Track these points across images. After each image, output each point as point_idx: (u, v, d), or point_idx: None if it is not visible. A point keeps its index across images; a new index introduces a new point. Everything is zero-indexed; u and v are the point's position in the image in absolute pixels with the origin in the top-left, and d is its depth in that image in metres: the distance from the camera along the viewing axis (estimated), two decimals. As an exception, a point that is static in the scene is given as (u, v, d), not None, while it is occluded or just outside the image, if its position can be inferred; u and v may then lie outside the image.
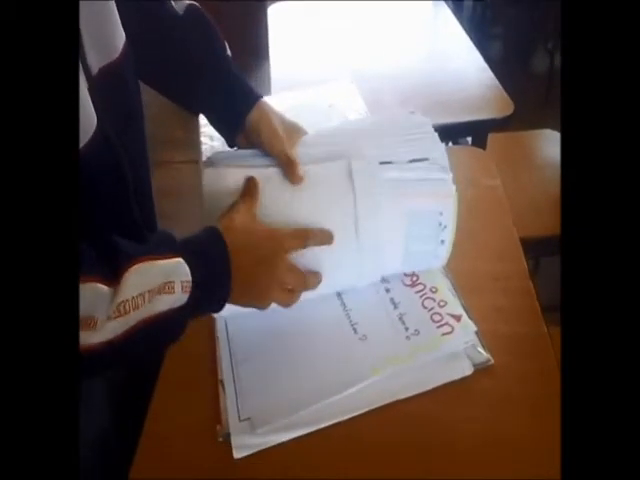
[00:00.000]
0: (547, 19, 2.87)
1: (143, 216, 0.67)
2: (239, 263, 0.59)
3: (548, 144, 1.64)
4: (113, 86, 0.59)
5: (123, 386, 0.75)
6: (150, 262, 0.53)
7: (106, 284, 0.50)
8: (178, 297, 0.54)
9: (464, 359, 0.68)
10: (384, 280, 0.78)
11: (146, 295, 0.52)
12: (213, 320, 0.75)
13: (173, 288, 0.53)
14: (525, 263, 0.82)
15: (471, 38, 1.51)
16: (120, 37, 0.62)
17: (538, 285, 0.79)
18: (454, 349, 0.69)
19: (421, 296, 0.76)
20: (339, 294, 0.77)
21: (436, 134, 0.74)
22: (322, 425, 0.64)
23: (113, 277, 0.50)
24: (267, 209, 0.68)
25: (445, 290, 0.76)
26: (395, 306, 0.76)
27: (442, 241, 0.74)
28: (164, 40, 0.73)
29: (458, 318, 0.72)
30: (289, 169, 0.69)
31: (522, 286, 0.79)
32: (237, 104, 0.73)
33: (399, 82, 1.30)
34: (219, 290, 0.60)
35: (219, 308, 0.61)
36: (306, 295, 0.68)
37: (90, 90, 0.54)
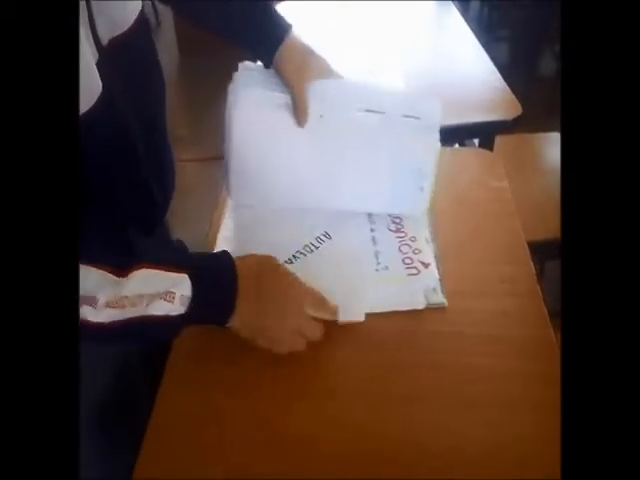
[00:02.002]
0: (554, 21, 2.85)
1: (159, 177, 0.72)
2: (247, 290, 0.63)
3: (555, 147, 1.64)
4: (124, 56, 0.62)
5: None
6: (157, 270, 0.58)
7: (115, 274, 0.55)
8: (176, 307, 0.59)
9: (420, 296, 0.77)
10: (371, 221, 0.88)
11: (145, 298, 0.57)
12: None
13: (173, 298, 0.58)
14: (532, 266, 0.82)
15: (478, 39, 1.52)
16: (133, 9, 0.65)
17: (543, 289, 0.79)
18: (415, 287, 0.78)
19: (400, 241, 0.85)
20: (324, 221, 0.87)
21: (437, 104, 0.81)
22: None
23: (122, 272, 0.56)
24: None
25: (423, 241, 0.85)
26: (374, 243, 0.85)
27: (422, 188, 0.83)
28: None
29: (426, 265, 0.81)
30: (298, 110, 0.77)
31: (529, 289, 0.79)
32: (268, 37, 0.76)
33: (407, 82, 1.31)
34: (220, 308, 0.63)
35: (221, 325, 0.65)
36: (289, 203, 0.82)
37: (100, 60, 0.57)
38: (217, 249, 0.81)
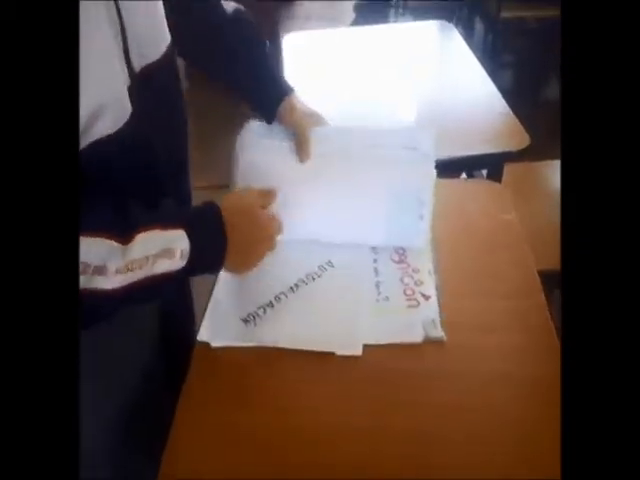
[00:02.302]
0: (559, 47, 2.85)
1: (178, 198, 0.78)
2: (233, 234, 0.69)
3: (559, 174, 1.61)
4: (153, 84, 0.67)
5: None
6: (156, 231, 0.62)
7: (120, 242, 0.59)
8: (177, 262, 0.64)
9: (419, 328, 0.76)
10: (375, 251, 0.88)
11: (150, 258, 0.61)
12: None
13: (174, 254, 0.63)
14: (544, 299, 0.79)
15: (482, 65, 1.51)
16: (164, 39, 0.70)
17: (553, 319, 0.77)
18: (413, 319, 0.77)
19: (402, 272, 0.85)
20: (328, 251, 0.87)
21: (432, 133, 0.84)
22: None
23: (126, 239, 0.60)
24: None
25: (425, 272, 0.84)
26: (376, 274, 0.85)
27: (421, 217, 0.83)
28: (215, 35, 0.85)
29: (427, 297, 0.81)
30: (301, 146, 0.82)
31: (541, 324, 0.76)
32: (273, 94, 0.86)
33: (417, 111, 1.30)
34: (214, 257, 0.70)
35: (214, 272, 0.75)
36: (293, 235, 0.82)
37: (131, 86, 0.62)
38: (221, 275, 0.85)
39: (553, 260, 1.19)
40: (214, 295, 0.83)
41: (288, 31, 1.63)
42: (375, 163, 0.83)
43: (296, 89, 0.87)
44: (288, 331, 0.76)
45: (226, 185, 0.86)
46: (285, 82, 0.88)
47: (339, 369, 0.72)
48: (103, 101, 0.58)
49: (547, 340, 0.73)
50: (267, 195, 0.77)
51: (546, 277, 0.84)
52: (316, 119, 0.86)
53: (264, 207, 0.75)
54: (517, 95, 1.39)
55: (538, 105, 2.79)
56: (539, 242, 0.92)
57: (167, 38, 0.70)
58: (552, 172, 1.68)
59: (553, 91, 2.91)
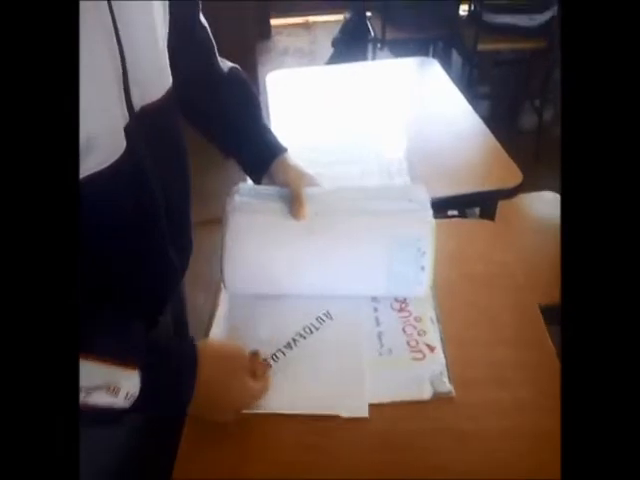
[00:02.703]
0: (533, 77, 2.92)
1: (179, 244, 0.76)
2: (205, 390, 0.64)
3: (547, 206, 1.61)
4: (154, 124, 0.66)
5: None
6: (100, 363, 0.56)
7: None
8: (120, 401, 0.58)
9: (426, 384, 0.73)
10: (375, 300, 0.85)
11: (83, 389, 0.55)
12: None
13: (117, 393, 0.57)
14: (553, 348, 0.76)
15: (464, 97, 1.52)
16: (166, 80, 0.69)
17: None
18: (420, 374, 0.74)
19: (404, 322, 0.82)
20: (326, 300, 0.84)
21: (424, 189, 0.84)
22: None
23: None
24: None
25: (428, 321, 0.81)
26: (377, 324, 0.82)
27: (422, 267, 0.79)
28: (210, 91, 0.85)
29: (432, 349, 0.77)
30: (295, 203, 0.81)
31: (550, 375, 0.72)
32: (264, 154, 0.86)
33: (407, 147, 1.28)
34: (173, 408, 0.65)
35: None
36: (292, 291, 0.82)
37: (130, 124, 0.61)
38: (214, 326, 0.82)
39: (549, 295, 1.19)
40: None
41: (264, 65, 1.61)
42: (372, 215, 0.81)
43: (288, 148, 0.87)
44: (289, 396, 0.72)
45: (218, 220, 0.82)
46: (278, 141, 0.88)
47: (342, 428, 0.68)
48: (93, 134, 0.55)
49: (557, 395, 0.70)
50: (259, 364, 0.72)
51: (544, 312, 0.82)
52: (309, 179, 0.85)
53: (252, 373, 0.69)
54: (493, 122, 1.38)
55: (513, 132, 2.82)
56: (533, 277, 0.90)
57: (169, 79, 0.69)
58: (536, 204, 1.67)
59: (529, 120, 2.96)
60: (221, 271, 0.81)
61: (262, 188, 0.86)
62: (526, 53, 2.96)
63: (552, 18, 2.59)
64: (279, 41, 4.20)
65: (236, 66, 0.88)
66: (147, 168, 0.65)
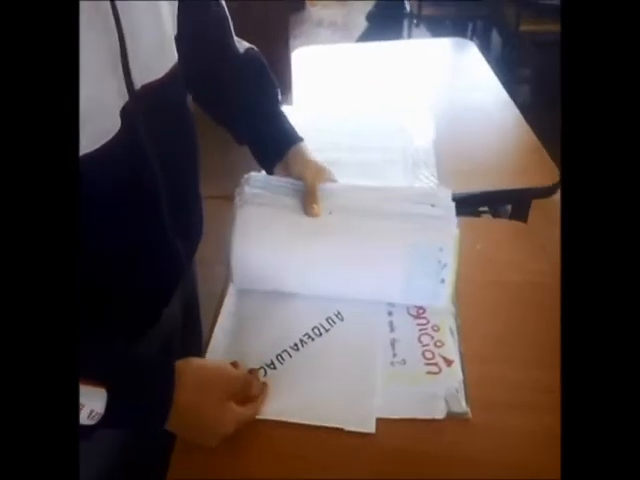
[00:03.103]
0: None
1: (185, 231, 0.71)
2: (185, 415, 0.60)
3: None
4: (156, 104, 0.61)
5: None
6: None
7: None
8: (83, 420, 0.53)
9: (441, 402, 0.68)
10: (390, 304, 0.79)
11: None
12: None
13: (80, 410, 0.53)
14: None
15: (500, 79, 1.44)
16: (170, 59, 0.64)
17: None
18: (434, 390, 0.69)
19: (420, 330, 0.76)
20: (337, 301, 0.79)
21: (449, 193, 0.78)
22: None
23: None
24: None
25: (447, 332, 0.75)
26: (392, 329, 0.76)
27: (442, 280, 0.73)
28: (224, 74, 0.81)
29: (449, 363, 0.72)
30: (309, 199, 0.76)
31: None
32: (280, 142, 0.82)
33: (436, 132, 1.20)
34: (144, 427, 0.61)
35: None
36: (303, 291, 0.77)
37: (129, 102, 0.57)
38: (220, 320, 0.78)
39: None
40: (208, 354, 0.74)
41: (297, 37, 1.55)
42: (390, 219, 0.75)
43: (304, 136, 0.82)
44: (290, 402, 0.67)
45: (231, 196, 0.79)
46: (294, 130, 0.83)
47: (344, 442, 0.64)
48: (82, 113, 0.49)
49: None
50: (254, 384, 0.66)
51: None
52: (325, 174, 0.80)
53: (245, 394, 0.65)
54: (533, 111, 1.29)
55: (555, 122, 2.70)
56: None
57: (174, 57, 0.65)
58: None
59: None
60: (228, 265, 0.77)
61: (275, 179, 0.81)
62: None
63: None
64: (313, 13, 4.09)
65: (253, 47, 0.83)
66: (147, 148, 0.61)
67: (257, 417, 0.65)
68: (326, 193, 0.77)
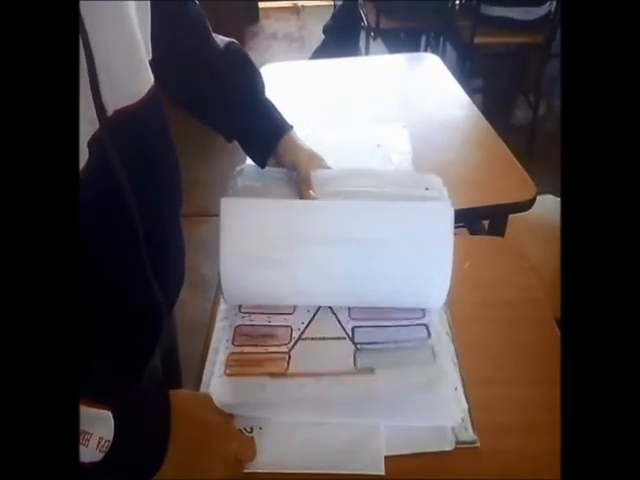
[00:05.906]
0: (527, 71, 2.88)
1: (164, 271, 0.65)
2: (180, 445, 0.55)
3: (547, 212, 1.54)
4: (130, 131, 0.56)
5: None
6: None
7: None
8: (90, 452, 0.47)
9: (449, 433, 0.65)
10: None
11: None
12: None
13: (88, 440, 0.47)
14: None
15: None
16: (146, 82, 0.60)
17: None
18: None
19: None
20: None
21: (439, 178, 0.81)
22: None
23: None
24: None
25: (447, 359, 0.73)
26: None
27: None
28: (205, 71, 0.79)
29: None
30: (304, 186, 0.78)
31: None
32: (270, 132, 0.82)
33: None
34: (148, 461, 0.54)
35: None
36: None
37: (100, 130, 0.52)
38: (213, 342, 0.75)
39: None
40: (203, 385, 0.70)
41: (251, 49, 1.53)
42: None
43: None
44: (289, 449, 0.63)
45: (210, 214, 0.76)
46: (283, 118, 0.83)
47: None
48: None
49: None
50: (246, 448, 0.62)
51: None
52: (318, 160, 0.81)
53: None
54: (487, 119, 1.31)
55: (507, 127, 2.78)
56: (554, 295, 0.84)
57: (150, 81, 0.60)
58: (539, 210, 1.62)
59: (523, 114, 2.92)
60: (219, 277, 0.72)
61: (268, 170, 0.82)
62: (520, 47, 2.90)
63: (549, 12, 2.53)
64: (267, 25, 4.08)
65: (233, 40, 0.81)
66: (121, 182, 0.54)
67: (252, 470, 0.61)
68: (320, 180, 0.77)
